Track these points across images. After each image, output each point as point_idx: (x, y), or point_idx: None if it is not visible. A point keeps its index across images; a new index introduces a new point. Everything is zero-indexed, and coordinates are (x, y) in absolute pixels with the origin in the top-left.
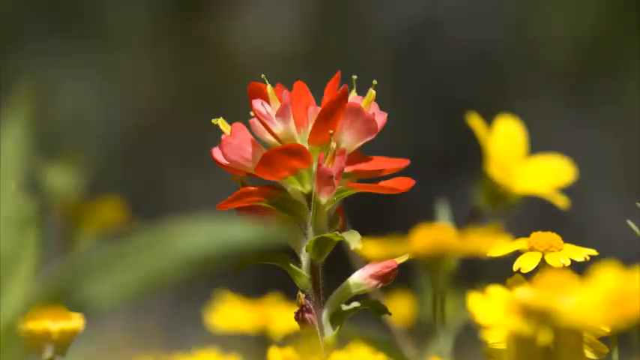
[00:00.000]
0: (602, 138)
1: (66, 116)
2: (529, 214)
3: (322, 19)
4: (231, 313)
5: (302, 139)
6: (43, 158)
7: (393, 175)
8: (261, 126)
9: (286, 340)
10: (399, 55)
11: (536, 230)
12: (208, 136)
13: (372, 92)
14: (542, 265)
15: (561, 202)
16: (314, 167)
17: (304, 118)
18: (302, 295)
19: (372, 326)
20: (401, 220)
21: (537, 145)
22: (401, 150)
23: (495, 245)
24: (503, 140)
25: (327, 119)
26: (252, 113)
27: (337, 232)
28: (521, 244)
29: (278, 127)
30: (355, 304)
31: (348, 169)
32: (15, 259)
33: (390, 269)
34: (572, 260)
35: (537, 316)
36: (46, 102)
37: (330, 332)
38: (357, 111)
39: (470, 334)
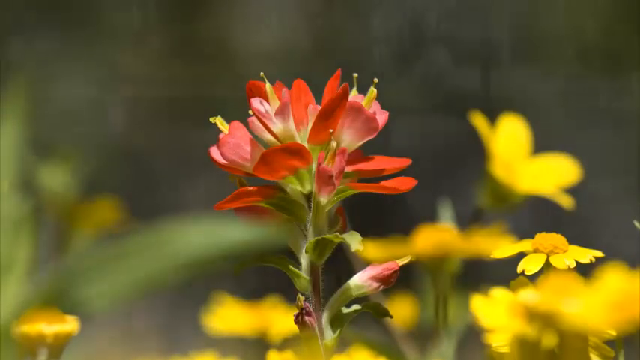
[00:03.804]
0: (605, 138)
1: (62, 115)
2: (533, 215)
3: (322, 18)
4: (229, 316)
5: (302, 139)
6: (38, 157)
7: (395, 175)
8: (259, 125)
9: (285, 344)
10: (399, 54)
11: (540, 231)
12: (207, 136)
13: (373, 90)
14: (547, 266)
15: (566, 202)
16: (314, 167)
17: (304, 116)
18: (301, 298)
19: (373, 329)
20: (403, 220)
21: (541, 144)
22: (402, 149)
23: (499, 246)
24: (507, 139)
25: (327, 118)
26: (250, 112)
27: (337, 233)
28: (525, 245)
29: (277, 126)
30: (356, 306)
31: (348, 169)
32: (9, 261)
33: (391, 271)
34: (577, 262)
35: (542, 318)
36: (42, 100)
37: (330, 335)
38: (358, 109)
39: (473, 336)
